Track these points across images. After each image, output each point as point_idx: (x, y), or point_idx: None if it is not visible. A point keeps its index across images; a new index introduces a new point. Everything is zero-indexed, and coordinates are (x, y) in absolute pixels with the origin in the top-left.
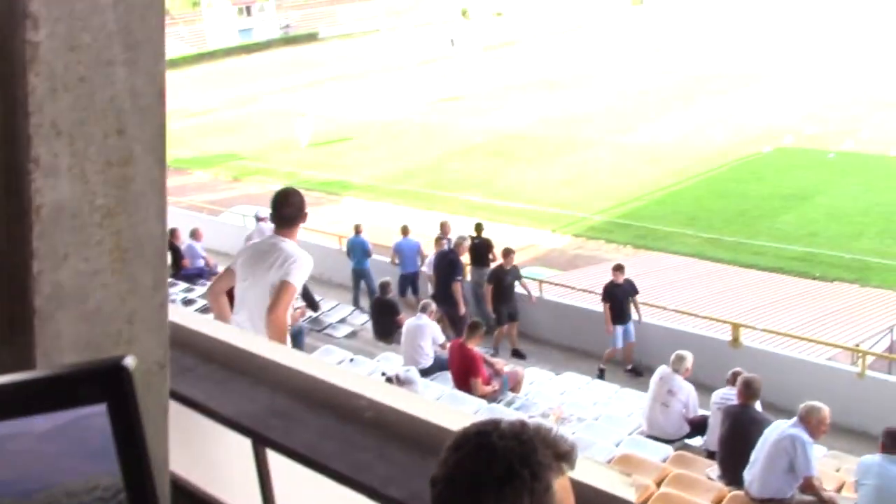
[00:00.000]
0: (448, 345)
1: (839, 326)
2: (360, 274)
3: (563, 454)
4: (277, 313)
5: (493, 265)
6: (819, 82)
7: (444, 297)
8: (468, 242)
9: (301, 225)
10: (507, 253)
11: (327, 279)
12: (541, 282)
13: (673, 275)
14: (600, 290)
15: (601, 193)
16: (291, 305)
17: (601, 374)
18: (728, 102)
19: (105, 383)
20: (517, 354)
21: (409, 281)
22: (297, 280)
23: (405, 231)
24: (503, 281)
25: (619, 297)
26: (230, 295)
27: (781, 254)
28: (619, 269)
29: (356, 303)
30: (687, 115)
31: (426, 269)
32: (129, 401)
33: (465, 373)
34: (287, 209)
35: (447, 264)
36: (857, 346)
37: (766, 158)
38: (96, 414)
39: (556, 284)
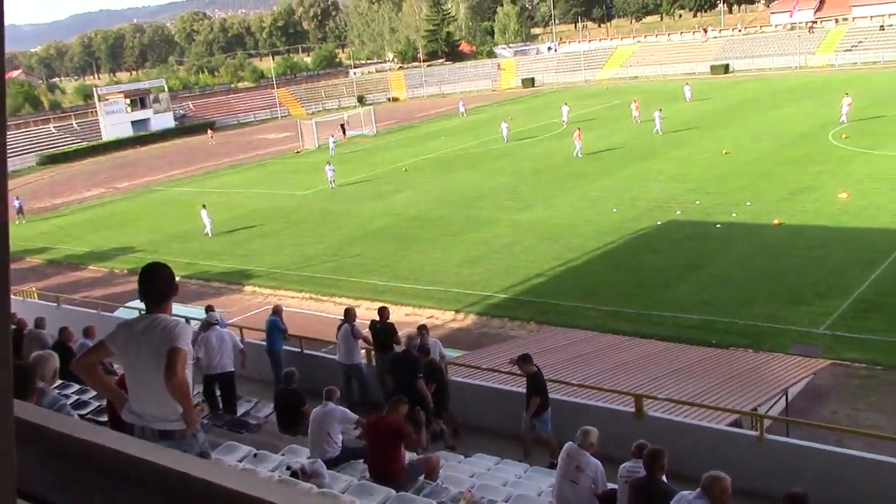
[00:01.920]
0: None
1: (737, 391)
2: (275, 356)
3: None
4: (177, 376)
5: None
6: (704, 156)
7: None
8: (418, 340)
9: (173, 298)
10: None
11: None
12: (448, 363)
13: (576, 349)
14: (505, 370)
15: (503, 271)
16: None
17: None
18: (619, 179)
19: None
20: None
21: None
22: (184, 343)
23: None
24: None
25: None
26: None
27: (679, 323)
28: (520, 359)
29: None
30: (581, 191)
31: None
32: None
33: (384, 448)
34: (157, 286)
35: (408, 364)
36: (755, 409)
37: (659, 231)
38: None
39: (462, 365)
